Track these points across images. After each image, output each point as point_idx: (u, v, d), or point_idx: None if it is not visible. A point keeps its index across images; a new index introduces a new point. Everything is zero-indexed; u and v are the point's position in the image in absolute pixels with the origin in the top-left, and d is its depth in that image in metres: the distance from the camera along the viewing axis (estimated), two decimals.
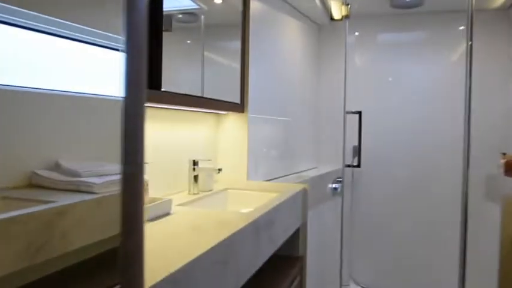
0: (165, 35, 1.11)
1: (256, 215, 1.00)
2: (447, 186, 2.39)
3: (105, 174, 0.68)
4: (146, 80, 0.52)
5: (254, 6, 1.68)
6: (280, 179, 1.97)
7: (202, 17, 1.33)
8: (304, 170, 2.40)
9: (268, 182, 1.74)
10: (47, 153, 0.64)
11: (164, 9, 1.05)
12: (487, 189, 2.35)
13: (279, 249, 1.37)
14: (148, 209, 0.84)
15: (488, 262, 2.13)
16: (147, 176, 0.96)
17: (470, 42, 1.74)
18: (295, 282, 1.48)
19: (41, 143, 0.62)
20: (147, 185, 0.92)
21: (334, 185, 2.45)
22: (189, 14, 1.27)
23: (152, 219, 0.86)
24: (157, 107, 1.17)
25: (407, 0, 2.26)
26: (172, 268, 0.57)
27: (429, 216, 2.49)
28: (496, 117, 2.36)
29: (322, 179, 2.32)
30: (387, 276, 2.60)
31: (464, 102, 1.78)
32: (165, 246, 0.70)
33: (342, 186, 2.33)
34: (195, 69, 1.31)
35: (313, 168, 2.55)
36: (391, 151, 2.57)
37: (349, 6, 2.15)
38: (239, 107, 1.55)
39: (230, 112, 1.59)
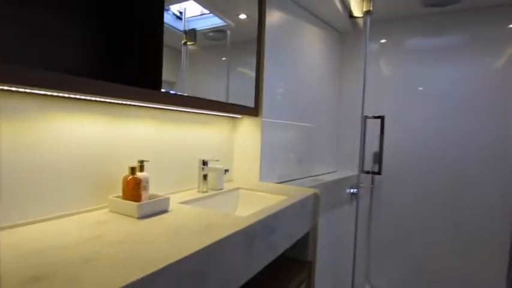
0: (193, 50, 1.10)
1: (252, 220, 0.92)
2: (478, 197, 2.12)
3: None
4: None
5: (273, 14, 1.61)
6: (296, 181, 1.88)
7: (228, 32, 1.32)
8: (322, 174, 2.27)
9: (279, 184, 1.66)
10: None
11: (198, 28, 1.11)
12: None
13: (288, 252, 1.29)
14: (139, 207, 0.81)
15: None
16: (147, 173, 0.94)
17: None
18: (302, 287, 1.39)
19: None
20: (147, 182, 0.89)
21: (352, 190, 2.30)
22: (217, 31, 1.29)
23: (145, 217, 0.83)
24: (176, 110, 1.15)
25: None
26: (131, 278, 0.52)
27: (456, 228, 2.22)
28: None
29: (338, 183, 2.19)
30: (405, 284, 2.40)
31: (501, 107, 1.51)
32: (137, 250, 0.65)
33: (357, 192, 2.18)
34: (219, 79, 1.30)
35: (331, 172, 2.41)
36: (417, 160, 2.32)
37: (371, 2, 1.96)
38: (253, 111, 1.49)
39: (245, 116, 1.53)
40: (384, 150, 2.28)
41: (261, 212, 1.03)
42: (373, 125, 2.26)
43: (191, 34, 1.11)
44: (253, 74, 1.48)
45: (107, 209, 0.88)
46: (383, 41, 2.39)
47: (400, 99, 2.37)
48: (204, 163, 1.20)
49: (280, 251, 1.13)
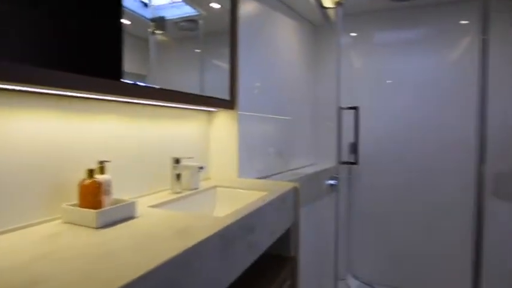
0: (164, 41, 0.98)
1: (230, 220, 0.83)
2: (449, 184, 2.16)
3: None
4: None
5: (247, 3, 1.50)
6: (276, 176, 1.80)
7: (201, 22, 1.21)
8: (302, 167, 2.21)
9: (259, 180, 1.57)
10: None
11: (168, 17, 1.01)
12: (497, 187, 2.08)
13: (270, 248, 1.21)
14: (98, 214, 0.69)
15: (497, 260, 1.91)
16: (109, 176, 0.82)
17: (484, 37, 1.48)
18: (286, 284, 1.31)
19: None
20: (109, 185, 0.77)
21: (331, 182, 2.26)
22: (189, 21, 1.18)
23: (107, 226, 0.71)
24: (144, 104, 1.02)
25: None
26: None
27: (430, 213, 2.27)
28: (503, 110, 2.05)
29: (317, 175, 2.14)
30: (386, 271, 2.40)
31: (476, 99, 1.54)
32: (95, 267, 0.54)
33: (337, 183, 2.14)
34: (191, 71, 1.18)
35: (311, 165, 2.36)
36: (392, 149, 2.33)
37: None
38: (228, 104, 1.38)
39: (221, 110, 1.43)
40: (360, 141, 2.26)
41: (239, 210, 0.93)
42: (350, 116, 2.23)
43: (159, 23, 0.99)
44: (225, 60, 1.37)
45: (60, 220, 0.75)
46: (353, 34, 2.37)
47: (372, 90, 2.35)
48: (177, 161, 1.08)
49: (262, 250, 1.04)
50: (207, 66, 1.31)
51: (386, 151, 2.34)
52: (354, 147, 2.24)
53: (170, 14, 1.04)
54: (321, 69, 2.41)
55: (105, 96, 0.81)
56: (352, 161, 2.26)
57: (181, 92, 1.06)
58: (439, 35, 2.18)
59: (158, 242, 0.64)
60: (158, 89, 0.96)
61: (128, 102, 0.96)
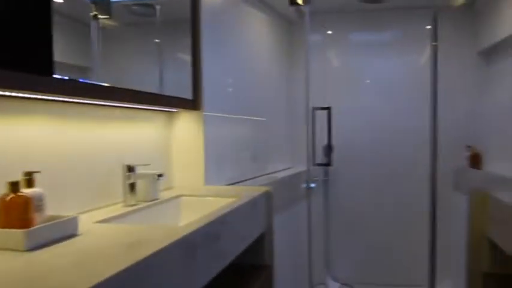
0: (111, 27, 0.89)
1: (191, 229, 0.76)
2: (417, 180, 2.24)
3: None
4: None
5: None
6: (249, 181, 1.74)
7: (158, 7, 1.13)
8: (278, 171, 2.17)
9: (228, 186, 1.50)
10: None
11: None
12: (455, 180, 2.22)
13: (241, 259, 1.14)
14: (28, 234, 0.60)
15: (456, 249, 1.98)
16: (40, 189, 0.72)
17: (434, 43, 1.63)
18: None
19: None
20: (42, 200, 0.67)
21: (307, 185, 2.24)
22: (143, 5, 1.09)
23: (40, 247, 0.62)
24: (86, 103, 0.93)
25: None
26: None
27: (401, 209, 2.37)
28: (462, 111, 2.23)
29: (292, 179, 2.11)
30: (364, 270, 2.44)
31: (430, 100, 1.67)
32: None
33: (311, 186, 2.12)
34: (146, 64, 1.10)
35: (287, 168, 2.33)
36: (364, 148, 2.40)
37: None
38: (191, 104, 1.31)
39: (183, 110, 1.35)
40: (335, 141, 2.27)
41: (202, 218, 0.86)
42: (323, 118, 2.24)
43: (103, 5, 0.90)
44: (187, 56, 1.30)
45: None
46: (329, 32, 2.41)
47: (345, 90, 2.40)
48: (130, 169, 0.99)
49: (231, 257, 0.98)
50: (167, 60, 1.23)
51: (358, 151, 2.39)
52: (328, 149, 2.24)
53: None
54: (296, 68, 2.41)
55: (30, 94, 0.71)
56: (325, 162, 2.26)
57: (131, 90, 0.98)
58: (407, 38, 2.31)
59: (102, 259, 0.56)
60: (100, 86, 0.87)
61: (65, 101, 0.86)
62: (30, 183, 0.67)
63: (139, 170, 1.01)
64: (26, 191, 0.65)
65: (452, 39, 2.18)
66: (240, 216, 1.06)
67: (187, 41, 1.30)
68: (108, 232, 0.73)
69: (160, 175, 1.00)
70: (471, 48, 2.20)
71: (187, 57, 1.30)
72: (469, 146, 2.15)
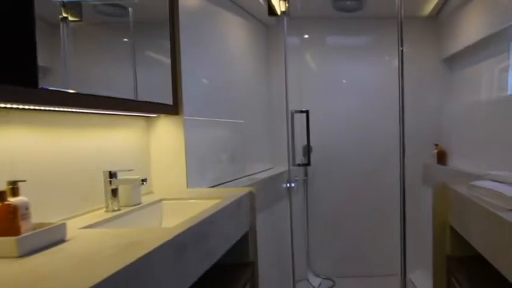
0: (76, 26, 0.90)
1: (182, 229, 0.81)
2: (389, 176, 2.39)
3: None
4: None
5: (190, 1, 1.50)
6: (231, 183, 1.81)
7: (130, 9, 1.13)
8: (258, 172, 2.25)
9: (211, 188, 1.56)
10: None
11: None
12: (424, 176, 2.42)
13: (227, 257, 1.20)
14: (19, 241, 0.63)
15: (427, 239, 2.16)
16: (23, 198, 0.75)
17: (401, 48, 1.79)
18: None
19: None
20: (27, 208, 0.70)
21: (288, 184, 2.33)
22: (113, 5, 1.08)
23: (30, 253, 0.65)
24: (60, 111, 0.95)
25: (348, 3, 2.24)
26: None
27: (376, 205, 2.54)
28: (429, 113, 2.44)
29: (274, 179, 2.19)
30: (343, 264, 2.60)
31: (397, 100, 1.83)
32: None
33: (290, 186, 2.22)
34: (117, 66, 1.11)
35: (268, 169, 2.41)
36: (339, 148, 2.54)
37: (287, 1, 2.05)
38: (171, 109, 1.36)
39: (162, 115, 1.39)
40: (313, 142, 2.38)
41: (191, 219, 0.92)
42: (302, 118, 2.34)
43: (74, 8, 0.88)
44: (166, 60, 1.33)
45: None
46: (306, 36, 2.52)
47: (320, 92, 2.53)
48: (112, 175, 1.02)
49: (218, 256, 1.04)
50: (146, 64, 1.25)
51: (336, 151, 2.53)
52: (307, 149, 2.35)
53: None
54: (273, 71, 2.50)
55: (14, 105, 0.74)
56: (304, 162, 2.36)
57: (113, 98, 1.02)
58: (380, 43, 2.49)
59: (99, 260, 0.60)
60: (83, 95, 0.90)
61: (44, 110, 0.88)
62: (15, 192, 0.69)
63: (121, 176, 1.05)
64: (12, 200, 0.68)
65: (419, 46, 2.40)
66: (226, 216, 1.12)
67: (166, 45, 1.34)
68: (97, 236, 0.77)
69: (144, 180, 1.04)
70: (436, 55, 2.43)
71: (167, 61, 1.34)
72: (436, 144, 2.35)
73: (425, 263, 2.26)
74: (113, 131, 1.19)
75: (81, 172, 1.01)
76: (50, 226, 0.70)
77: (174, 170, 1.41)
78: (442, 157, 2.28)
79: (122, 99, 1.06)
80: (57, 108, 0.89)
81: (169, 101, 1.34)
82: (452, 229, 1.37)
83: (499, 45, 1.75)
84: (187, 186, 1.43)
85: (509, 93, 1.68)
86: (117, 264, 0.58)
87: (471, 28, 1.98)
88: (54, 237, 0.70)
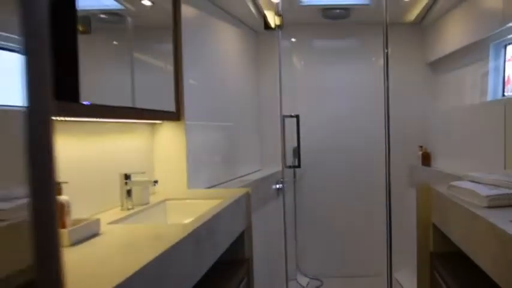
0: (83, 38, 1.02)
1: (196, 225, 0.97)
2: (375, 177, 2.53)
3: (14, 197, 0.58)
4: (52, 87, 0.45)
5: (187, 11, 1.63)
6: (225, 184, 1.95)
7: (129, 19, 1.26)
8: (248, 174, 2.40)
9: (209, 189, 1.71)
10: None
11: (81, 7, 0.93)
12: (410, 177, 2.64)
13: (225, 254, 1.35)
14: (70, 232, 0.76)
15: (412, 238, 2.37)
16: (66, 197, 0.88)
17: (386, 50, 1.95)
18: (243, 284, 1.48)
19: None
20: (68, 206, 0.83)
21: (278, 186, 2.50)
22: (113, 14, 1.17)
23: (77, 243, 0.78)
24: (78, 121, 1.07)
25: (337, 12, 2.43)
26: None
27: (363, 206, 2.72)
28: (415, 116, 2.65)
29: (264, 181, 2.35)
30: (331, 264, 2.77)
31: (383, 103, 1.98)
32: (91, 273, 0.63)
33: (283, 186, 2.39)
34: (124, 77, 1.24)
35: (257, 171, 2.57)
36: (327, 150, 2.71)
37: (281, 16, 2.22)
38: (174, 116, 1.50)
39: (166, 121, 1.53)
40: (301, 144, 2.55)
41: (202, 216, 1.07)
42: (291, 121, 2.51)
43: (84, 20, 0.97)
44: (169, 68, 1.47)
45: None
46: (293, 39, 2.70)
47: (308, 94, 2.71)
48: (127, 177, 1.16)
49: (223, 249, 1.20)
50: (150, 72, 1.37)
51: (323, 153, 2.71)
52: (297, 152, 2.52)
53: (89, 4, 1.00)
54: (263, 74, 2.67)
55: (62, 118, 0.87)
56: (295, 164, 2.54)
57: (129, 108, 1.15)
58: (366, 47, 2.69)
59: (139, 247, 0.75)
60: (107, 106, 1.03)
61: (69, 120, 1.00)
62: (59, 191, 0.83)
63: (134, 178, 1.19)
64: (59, 198, 0.81)
65: (404, 51, 2.61)
66: (228, 215, 1.28)
67: (169, 54, 1.47)
68: (124, 230, 0.91)
69: (155, 181, 1.18)
70: (420, 60, 2.65)
71: (170, 69, 1.48)
72: (421, 146, 2.58)
73: (411, 262, 2.47)
74: (122, 136, 1.32)
75: (99, 174, 1.14)
76: (89, 221, 0.83)
77: (175, 172, 1.55)
78: (426, 158, 2.51)
79: (140, 109, 1.19)
80: (92, 120, 1.02)
81: (172, 107, 1.48)
82: (434, 227, 1.56)
83: (478, 53, 1.98)
84: (188, 187, 1.57)
85: (488, 99, 1.91)
86: (154, 251, 0.72)
87: (452, 36, 2.22)
88: (92, 231, 0.84)
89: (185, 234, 0.86)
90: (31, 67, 0.41)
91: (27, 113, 0.43)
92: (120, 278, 0.59)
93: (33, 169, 0.43)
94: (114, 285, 0.57)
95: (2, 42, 0.63)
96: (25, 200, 0.54)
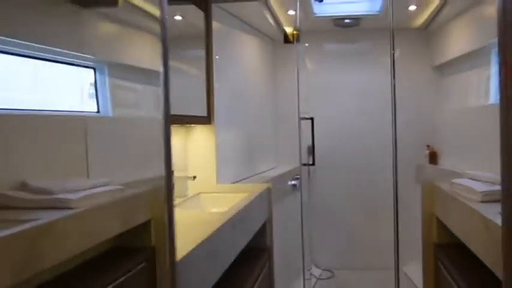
0: None
1: (232, 213, 1.15)
2: (386, 176, 2.56)
3: (79, 189, 0.74)
4: None
5: (214, 25, 1.82)
6: (246, 180, 2.14)
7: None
8: (265, 171, 2.59)
9: (235, 184, 1.90)
10: (12, 174, 0.69)
11: None
12: (417, 174, 2.76)
13: (250, 242, 1.54)
14: None
15: (420, 232, 2.50)
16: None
17: (392, 51, 2.07)
18: (265, 270, 1.66)
19: (5, 164, 0.67)
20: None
21: (293, 182, 2.67)
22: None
23: None
24: None
25: (347, 22, 2.56)
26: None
27: (372, 201, 2.85)
28: (423, 116, 2.77)
29: (282, 177, 2.53)
30: (342, 256, 2.92)
31: (391, 104, 2.11)
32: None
33: (300, 183, 2.55)
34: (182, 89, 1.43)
35: (273, 168, 2.76)
36: (339, 149, 2.86)
37: (299, 31, 2.36)
38: (206, 120, 1.69)
39: (197, 125, 1.72)
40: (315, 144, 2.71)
41: (236, 206, 1.26)
42: (305, 122, 2.67)
43: None
44: (200, 75, 1.65)
45: None
46: (306, 44, 2.86)
47: (323, 96, 2.86)
48: (172, 172, 1.36)
49: (250, 236, 1.39)
50: (190, 83, 1.56)
51: (335, 152, 2.86)
52: (311, 150, 2.68)
53: None
54: (279, 80, 2.85)
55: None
56: (309, 162, 2.71)
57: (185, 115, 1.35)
58: (376, 50, 2.79)
59: (193, 229, 0.95)
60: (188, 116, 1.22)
61: None
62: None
63: (176, 174, 1.38)
64: None
65: (411, 54, 2.74)
66: (255, 207, 1.46)
67: (202, 63, 1.66)
68: (178, 216, 1.10)
69: (194, 177, 1.37)
70: (427, 63, 2.78)
71: (203, 76, 1.66)
72: (428, 146, 2.71)
73: (419, 255, 2.59)
74: None
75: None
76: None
77: (206, 169, 1.75)
78: (433, 157, 2.64)
79: (193, 116, 1.39)
80: None
81: (204, 112, 1.67)
82: (438, 220, 1.71)
83: (482, 58, 2.09)
84: (217, 182, 1.76)
85: (490, 102, 2.03)
86: (207, 231, 0.92)
87: (457, 42, 2.35)
88: None
89: (225, 220, 1.05)
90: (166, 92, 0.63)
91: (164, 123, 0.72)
92: (184, 252, 0.78)
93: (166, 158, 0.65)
94: (181, 257, 0.76)
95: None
96: (88, 192, 0.74)
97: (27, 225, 0.55)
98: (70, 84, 1.00)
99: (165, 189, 0.70)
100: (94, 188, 0.80)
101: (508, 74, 0.66)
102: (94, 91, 1.04)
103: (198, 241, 0.84)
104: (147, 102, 1.23)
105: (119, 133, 1.05)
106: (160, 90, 0.78)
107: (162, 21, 0.77)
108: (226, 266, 1.08)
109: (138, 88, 1.22)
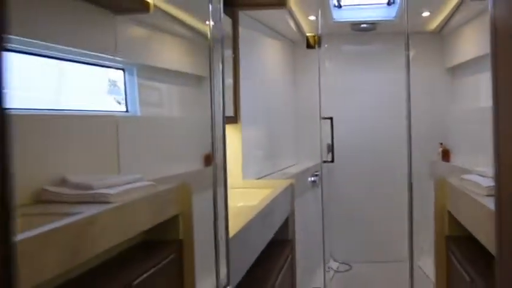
0: None
1: (261, 207, 1.31)
2: (401, 172, 2.64)
3: (116, 184, 0.78)
4: None
5: (240, 31, 1.96)
6: (269, 176, 2.30)
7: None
8: (286, 167, 2.74)
9: (259, 180, 2.06)
10: (51, 170, 0.72)
11: None
12: (431, 171, 2.85)
13: (275, 234, 1.70)
14: None
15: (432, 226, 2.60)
16: None
17: (407, 52, 2.17)
18: (288, 261, 1.82)
19: (45, 160, 0.71)
20: None
21: (312, 178, 2.81)
22: None
23: None
24: None
25: (364, 26, 2.69)
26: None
27: (388, 196, 2.95)
28: (436, 116, 2.85)
29: (303, 174, 2.68)
30: (360, 250, 3.03)
31: (406, 104, 2.20)
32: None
33: (321, 179, 2.68)
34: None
35: (293, 165, 2.90)
36: (356, 147, 2.97)
37: (320, 37, 2.50)
38: (234, 120, 1.86)
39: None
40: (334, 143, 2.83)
41: (264, 200, 1.42)
42: (324, 121, 2.79)
43: None
44: (228, 78, 1.77)
45: None
46: (326, 45, 2.98)
47: (339, 97, 2.95)
48: None
49: (276, 228, 1.54)
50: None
51: (353, 150, 2.97)
52: (331, 149, 2.81)
53: None
54: (299, 80, 2.98)
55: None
56: (329, 160, 2.84)
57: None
58: (391, 52, 2.87)
59: (231, 219, 1.11)
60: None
61: None
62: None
63: None
64: None
65: (425, 57, 2.82)
66: (280, 201, 1.62)
67: (229, 69, 1.82)
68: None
69: None
70: (440, 65, 2.86)
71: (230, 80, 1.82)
72: (441, 143, 2.79)
73: (432, 249, 2.67)
74: None
75: None
76: None
77: (233, 165, 1.90)
78: (446, 155, 2.72)
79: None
80: None
81: (231, 112, 1.84)
82: (449, 213, 1.82)
83: None
84: (243, 178, 1.93)
85: None
86: (241, 222, 1.08)
87: (469, 46, 2.43)
88: None
89: (256, 212, 1.21)
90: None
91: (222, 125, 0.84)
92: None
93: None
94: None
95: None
96: (124, 187, 0.77)
97: (73, 219, 0.58)
98: (100, 84, 1.02)
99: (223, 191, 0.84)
100: (129, 183, 0.83)
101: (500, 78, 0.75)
102: (123, 91, 1.05)
103: (233, 232, 0.99)
104: (172, 102, 1.30)
105: (146, 131, 1.08)
106: (215, 94, 0.89)
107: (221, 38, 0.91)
108: (256, 255, 1.22)
109: (162, 88, 1.27)
